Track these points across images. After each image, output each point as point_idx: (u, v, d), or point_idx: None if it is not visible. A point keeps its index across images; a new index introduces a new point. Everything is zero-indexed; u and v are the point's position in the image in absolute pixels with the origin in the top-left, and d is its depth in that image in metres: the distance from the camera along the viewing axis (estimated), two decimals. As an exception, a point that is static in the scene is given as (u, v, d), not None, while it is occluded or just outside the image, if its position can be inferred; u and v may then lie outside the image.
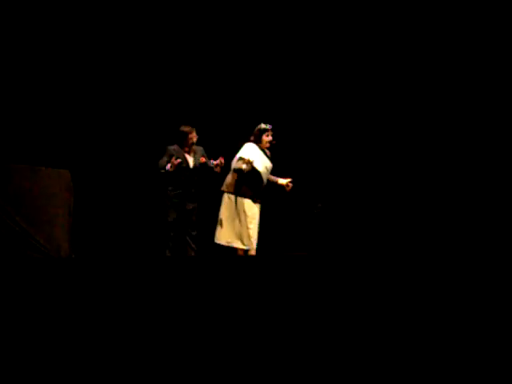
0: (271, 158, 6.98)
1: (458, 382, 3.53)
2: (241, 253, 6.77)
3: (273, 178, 7.04)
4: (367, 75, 8.60)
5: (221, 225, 6.76)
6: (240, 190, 6.79)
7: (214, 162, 7.11)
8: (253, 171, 6.76)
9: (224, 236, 6.75)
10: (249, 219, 6.73)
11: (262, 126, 6.90)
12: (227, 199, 6.81)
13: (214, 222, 6.97)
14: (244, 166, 6.74)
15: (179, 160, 7.02)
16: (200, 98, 8.81)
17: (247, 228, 6.70)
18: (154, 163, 7.21)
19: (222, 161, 7.07)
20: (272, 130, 6.92)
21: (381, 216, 8.34)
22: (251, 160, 6.74)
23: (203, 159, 7.17)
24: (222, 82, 8.79)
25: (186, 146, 7.18)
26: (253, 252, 6.74)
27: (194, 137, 7.20)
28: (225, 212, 6.79)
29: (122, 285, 4.36)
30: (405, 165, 8.45)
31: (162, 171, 7.06)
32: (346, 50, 8.62)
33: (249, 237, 6.70)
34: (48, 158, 7.49)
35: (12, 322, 4.00)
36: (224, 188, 6.85)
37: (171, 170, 6.98)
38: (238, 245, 6.74)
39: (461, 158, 8.25)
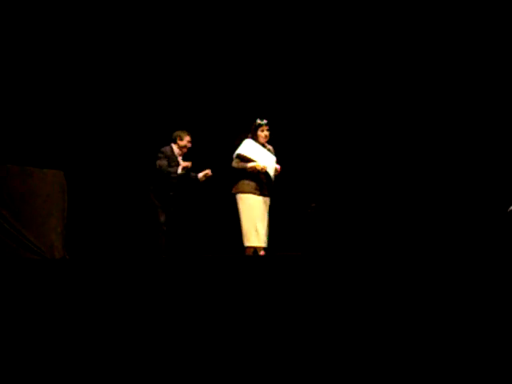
0: (275, 152, 7.00)
1: (457, 382, 3.54)
2: (249, 252, 6.74)
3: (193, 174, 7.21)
4: (359, 74, 8.61)
5: (240, 227, 6.79)
6: (243, 188, 6.81)
7: (200, 175, 7.22)
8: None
9: (244, 237, 6.77)
10: (245, 214, 6.75)
11: (257, 121, 6.93)
12: (238, 200, 6.82)
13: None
14: (249, 165, 6.78)
15: (189, 164, 7.11)
16: (193, 97, 8.82)
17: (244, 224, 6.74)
18: (147, 165, 7.25)
19: (209, 172, 7.20)
20: (267, 124, 6.93)
21: (375, 215, 8.35)
22: (264, 166, 6.80)
23: (189, 165, 7.24)
24: (216, 81, 8.79)
25: (180, 150, 7.22)
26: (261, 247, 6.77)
27: (189, 141, 7.25)
28: (240, 213, 6.80)
29: (117, 286, 4.36)
30: (399, 164, 8.47)
31: (174, 175, 7.10)
32: (340, 47, 8.64)
33: (256, 234, 6.73)
34: (42, 158, 7.48)
35: (5, 323, 4.00)
36: (233, 190, 6.87)
37: (183, 172, 7.10)
38: (249, 243, 6.74)
39: (455, 156, 8.28)
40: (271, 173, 6.86)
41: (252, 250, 6.72)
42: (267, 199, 6.86)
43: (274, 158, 6.95)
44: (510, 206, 6.77)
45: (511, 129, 8.01)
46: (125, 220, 8.47)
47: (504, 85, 8.09)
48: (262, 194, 6.81)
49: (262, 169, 6.77)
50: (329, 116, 8.65)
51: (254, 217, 6.71)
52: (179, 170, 7.10)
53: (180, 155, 7.25)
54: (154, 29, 8.69)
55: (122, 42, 8.69)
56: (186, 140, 7.25)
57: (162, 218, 7.14)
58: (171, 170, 7.11)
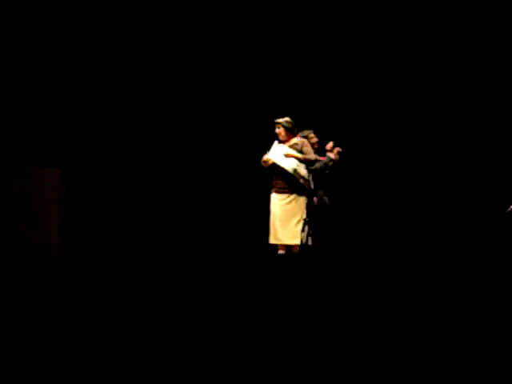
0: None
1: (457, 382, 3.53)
2: (280, 249, 6.84)
3: None
4: (362, 75, 8.63)
5: None
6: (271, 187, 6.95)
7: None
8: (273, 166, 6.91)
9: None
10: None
11: None
12: None
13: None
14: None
15: (338, 148, 7.19)
16: (194, 96, 8.82)
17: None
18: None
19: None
20: (276, 123, 6.95)
21: (376, 212, 8.36)
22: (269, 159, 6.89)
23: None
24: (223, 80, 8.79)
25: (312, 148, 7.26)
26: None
27: (314, 137, 7.29)
28: None
29: (115, 284, 4.35)
30: (399, 164, 8.48)
31: (330, 163, 7.16)
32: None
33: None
34: (40, 157, 7.47)
35: (3, 321, 3.98)
36: None
37: (337, 157, 7.15)
38: (270, 241, 6.84)
39: (454, 157, 8.30)
40: (286, 168, 6.85)
41: (281, 247, 6.83)
42: (285, 196, 6.85)
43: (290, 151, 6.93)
44: (509, 207, 6.77)
45: (511, 129, 8.02)
46: (124, 218, 8.46)
47: (504, 85, 8.11)
48: (278, 191, 6.86)
49: (262, 161, 6.88)
50: (333, 115, 8.64)
51: (272, 215, 6.84)
52: (333, 156, 7.14)
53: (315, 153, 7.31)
54: (154, 27, 8.67)
55: (120, 39, 8.67)
56: (312, 138, 7.29)
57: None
58: (326, 161, 7.15)
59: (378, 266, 4.51)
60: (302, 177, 6.90)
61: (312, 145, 7.23)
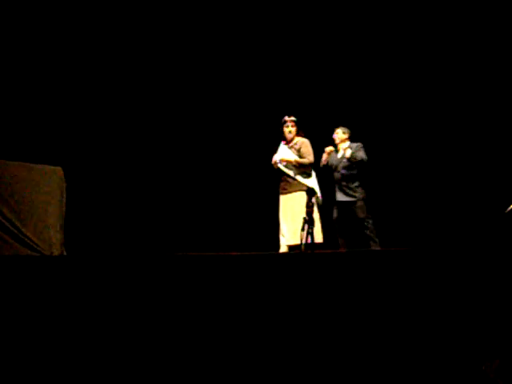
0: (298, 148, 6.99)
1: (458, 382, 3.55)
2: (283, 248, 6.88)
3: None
4: (371, 75, 8.66)
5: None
6: None
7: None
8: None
9: None
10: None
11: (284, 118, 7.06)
12: None
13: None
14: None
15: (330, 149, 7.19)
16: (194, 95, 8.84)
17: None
18: None
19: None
20: (293, 121, 6.95)
21: (377, 210, 8.39)
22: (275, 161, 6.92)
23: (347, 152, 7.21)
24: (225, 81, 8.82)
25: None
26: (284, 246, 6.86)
27: (337, 133, 7.26)
28: None
29: (115, 282, 4.36)
30: (398, 164, 8.49)
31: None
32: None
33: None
34: (41, 154, 7.48)
35: (2, 319, 3.99)
36: None
37: (324, 162, 7.16)
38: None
39: (454, 158, 8.32)
40: (285, 170, 6.87)
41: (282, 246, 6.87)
42: (288, 196, 6.86)
43: (289, 153, 6.95)
44: (507, 208, 6.77)
45: (511, 129, 8.04)
46: (124, 216, 8.47)
47: (504, 85, 8.13)
48: (282, 192, 6.90)
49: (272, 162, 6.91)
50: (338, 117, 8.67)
51: (280, 216, 6.88)
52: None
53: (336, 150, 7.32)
54: (159, 26, 8.70)
55: (122, 39, 8.69)
56: (336, 133, 7.29)
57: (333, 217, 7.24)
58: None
59: (378, 265, 4.52)
60: (300, 179, 6.88)
61: (333, 140, 7.28)
